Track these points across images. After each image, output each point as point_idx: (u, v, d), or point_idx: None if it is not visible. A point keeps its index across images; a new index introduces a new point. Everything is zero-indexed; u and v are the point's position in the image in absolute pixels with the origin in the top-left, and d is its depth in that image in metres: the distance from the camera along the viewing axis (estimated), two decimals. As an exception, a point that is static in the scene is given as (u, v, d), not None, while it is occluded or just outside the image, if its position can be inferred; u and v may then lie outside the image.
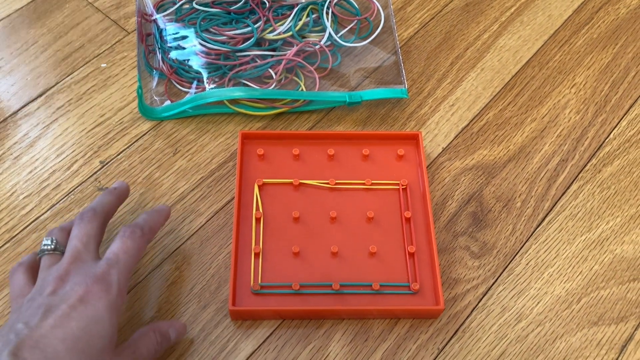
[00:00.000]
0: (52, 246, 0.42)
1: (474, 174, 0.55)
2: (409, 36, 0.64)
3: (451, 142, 0.57)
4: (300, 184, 0.53)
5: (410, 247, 0.49)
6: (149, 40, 0.61)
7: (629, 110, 0.60)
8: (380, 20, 0.62)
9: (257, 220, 0.51)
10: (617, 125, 0.59)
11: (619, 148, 0.57)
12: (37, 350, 0.34)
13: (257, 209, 0.51)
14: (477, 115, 0.59)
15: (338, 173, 0.53)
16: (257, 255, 0.49)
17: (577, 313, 0.49)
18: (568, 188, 0.55)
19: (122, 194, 0.47)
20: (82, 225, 0.42)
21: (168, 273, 0.49)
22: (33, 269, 0.42)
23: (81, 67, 0.60)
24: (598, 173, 0.56)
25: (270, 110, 0.57)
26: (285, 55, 0.58)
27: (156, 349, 0.42)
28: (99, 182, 0.53)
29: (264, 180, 0.52)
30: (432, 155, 0.56)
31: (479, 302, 0.49)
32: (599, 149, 0.57)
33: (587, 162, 0.56)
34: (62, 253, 0.42)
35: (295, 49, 0.59)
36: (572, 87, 0.61)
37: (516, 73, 0.62)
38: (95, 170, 0.54)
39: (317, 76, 0.59)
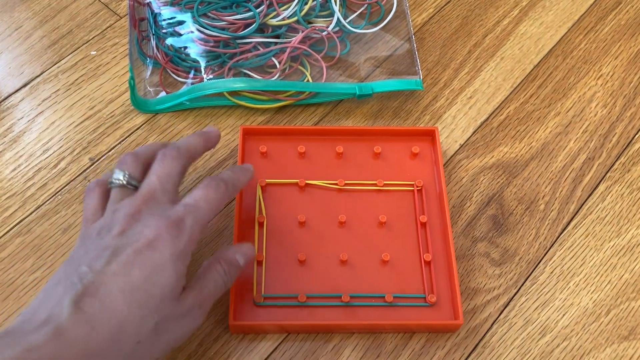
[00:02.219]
0: (124, 181, 0.39)
1: (493, 173, 0.51)
2: (423, 22, 0.60)
3: (469, 138, 0.53)
4: (307, 184, 0.49)
5: (427, 255, 0.46)
6: (142, 25, 0.56)
7: (659, 103, 0.56)
8: (393, 4, 0.58)
9: (260, 224, 0.47)
10: (647, 120, 0.55)
11: (650, 145, 0.53)
12: (96, 300, 0.33)
13: (260, 212, 0.47)
14: (497, 108, 0.55)
15: (347, 173, 0.49)
16: (259, 263, 0.45)
17: (606, 327, 0.45)
18: (595, 189, 0.51)
19: (210, 139, 0.43)
20: (164, 162, 0.39)
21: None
22: (108, 194, 0.40)
23: (69, 54, 0.56)
24: (627, 173, 0.52)
25: (273, 103, 0.53)
26: (290, 42, 0.54)
27: (224, 280, 0.39)
28: (89, 181, 0.49)
29: (267, 180, 0.48)
30: (449, 152, 0.52)
31: (500, 315, 0.45)
32: (627, 146, 0.53)
33: (615, 161, 0.52)
34: (135, 187, 0.39)
35: (300, 35, 0.54)
36: (598, 78, 0.57)
37: (538, 63, 0.57)
38: (85, 168, 0.50)
39: (324, 65, 0.54)
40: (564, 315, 0.45)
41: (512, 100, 0.55)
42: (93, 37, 0.57)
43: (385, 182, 0.49)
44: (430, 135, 0.51)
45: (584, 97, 0.56)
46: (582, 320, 0.45)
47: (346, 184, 0.49)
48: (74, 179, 0.49)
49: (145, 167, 0.40)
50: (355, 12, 0.58)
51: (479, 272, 0.47)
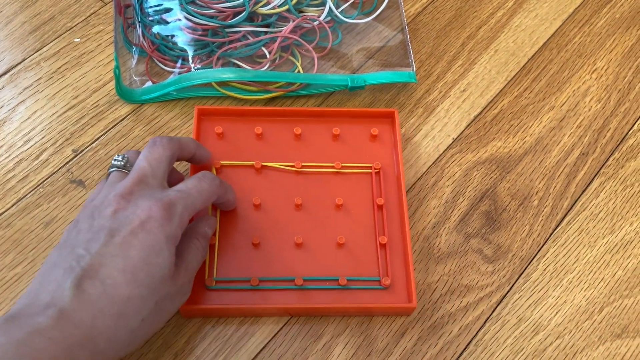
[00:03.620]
0: (122, 163, 0.40)
1: (487, 168, 0.50)
2: (416, 12, 0.58)
3: (462, 132, 0.52)
4: (263, 166, 0.47)
5: (382, 237, 0.45)
6: (128, 12, 0.55)
7: (654, 98, 0.55)
8: (386, -6, 0.57)
9: (214, 207, 0.45)
10: (641, 115, 0.54)
11: (644, 141, 0.53)
12: (98, 281, 0.33)
13: None
14: (490, 102, 0.54)
15: (305, 155, 0.48)
16: (212, 247, 0.44)
17: (599, 324, 0.45)
18: (589, 185, 0.50)
19: (202, 149, 0.44)
20: (154, 149, 0.39)
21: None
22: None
23: (52, 41, 0.54)
24: (621, 169, 0.51)
25: (263, 94, 0.52)
26: (280, 32, 0.52)
27: (203, 253, 0.40)
28: (72, 173, 0.48)
29: (222, 162, 0.47)
30: (442, 147, 0.51)
31: (492, 312, 0.45)
32: (622, 141, 0.53)
33: (610, 156, 0.52)
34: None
35: (291, 25, 0.53)
36: (592, 72, 0.56)
37: (533, 56, 0.57)
38: (68, 159, 0.48)
39: (315, 56, 0.53)
40: (557, 312, 0.45)
41: (506, 94, 0.54)
42: (77, 24, 0.55)
43: (343, 165, 0.48)
44: (389, 117, 0.50)
45: (579, 91, 0.55)
46: (576, 318, 0.45)
47: (303, 166, 0.48)
48: (57, 171, 0.48)
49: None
50: (348, 1, 0.57)
51: (471, 269, 0.46)
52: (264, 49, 0.53)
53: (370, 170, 0.48)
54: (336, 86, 0.52)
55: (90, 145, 0.49)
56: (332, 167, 0.48)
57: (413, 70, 0.53)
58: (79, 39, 0.54)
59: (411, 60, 0.54)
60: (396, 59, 0.55)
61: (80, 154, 0.49)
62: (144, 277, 0.34)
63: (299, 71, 0.53)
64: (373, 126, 0.50)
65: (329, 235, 0.45)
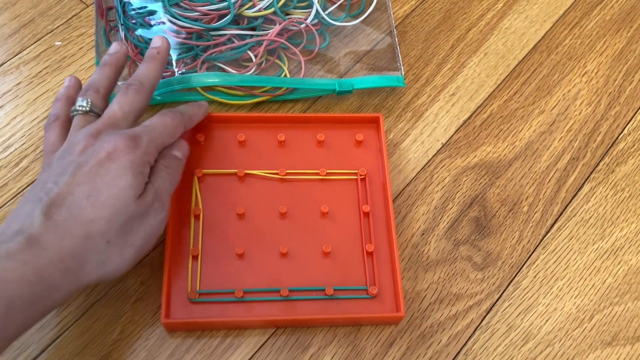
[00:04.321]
0: (87, 108, 0.41)
1: (476, 173, 0.50)
2: (405, 14, 0.58)
3: (451, 136, 0.51)
4: (246, 174, 0.46)
5: (369, 245, 0.44)
6: (110, 15, 0.53)
7: (644, 102, 0.55)
8: (374, -4, 0.56)
9: (196, 217, 0.44)
10: (631, 119, 0.54)
11: (634, 145, 0.52)
12: (64, 208, 0.35)
13: (196, 204, 0.45)
14: (480, 106, 0.53)
15: (289, 162, 0.47)
16: (195, 258, 0.43)
17: (590, 332, 0.44)
18: (579, 190, 0.50)
19: (165, 58, 0.45)
20: (128, 95, 0.41)
21: (132, 289, 0.43)
22: (67, 125, 0.41)
23: (31, 45, 0.53)
24: (611, 173, 0.51)
25: (249, 99, 0.51)
26: (266, 35, 0.51)
27: (169, 173, 0.41)
28: (53, 181, 0.47)
29: (204, 170, 0.46)
30: (431, 152, 0.50)
31: (482, 321, 0.44)
32: (612, 145, 0.52)
33: (600, 161, 0.51)
34: (97, 115, 0.41)
35: (277, 28, 0.52)
36: (583, 75, 0.55)
37: (522, 59, 0.56)
38: (48, 166, 0.47)
39: (302, 59, 0.52)
40: (547, 320, 0.44)
41: (495, 98, 0.54)
42: (57, 27, 0.54)
43: (328, 171, 0.47)
44: (375, 122, 0.49)
45: (569, 94, 0.54)
46: (566, 325, 0.44)
47: (288, 174, 0.47)
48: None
49: (106, 99, 0.42)
50: (335, 3, 0.56)
51: (460, 277, 0.45)
52: (249, 52, 0.51)
53: (356, 177, 0.47)
54: (324, 90, 0.51)
55: (71, 151, 0.48)
56: (317, 174, 0.47)
57: (401, 74, 0.52)
58: (60, 42, 0.53)
59: (399, 64, 0.53)
60: (384, 63, 0.54)
61: (62, 161, 0.47)
62: (105, 199, 0.36)
63: (285, 75, 0.52)
64: (358, 132, 0.49)
65: (315, 244, 0.44)
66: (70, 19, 0.54)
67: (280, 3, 0.52)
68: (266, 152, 0.48)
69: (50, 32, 0.53)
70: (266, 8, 0.52)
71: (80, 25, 0.54)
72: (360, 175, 0.47)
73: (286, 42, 0.52)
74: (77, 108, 0.41)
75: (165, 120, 0.41)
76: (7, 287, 0.32)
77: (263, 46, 0.51)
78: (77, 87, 0.44)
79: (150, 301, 0.43)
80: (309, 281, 0.43)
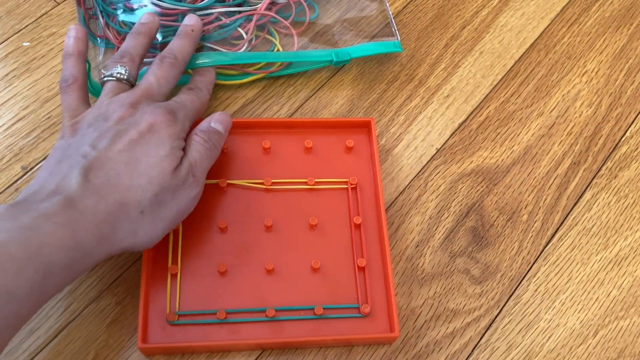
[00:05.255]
0: (125, 76, 0.41)
1: (473, 180, 0.47)
2: (396, 11, 0.55)
3: (446, 141, 0.49)
4: (229, 184, 0.44)
5: (360, 260, 0.42)
6: (88, 2, 0.50)
7: (646, 103, 0.52)
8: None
9: (174, 232, 0.41)
10: (634, 120, 0.51)
11: (637, 148, 0.50)
12: (102, 172, 0.35)
13: None
14: (476, 108, 0.50)
15: (275, 170, 0.44)
16: (174, 276, 0.40)
17: (594, 349, 0.42)
18: (581, 197, 0.47)
19: (198, 37, 0.45)
20: (163, 67, 0.41)
21: (107, 309, 0.40)
22: (85, 87, 0.41)
23: (-2, 46, 0.49)
24: (614, 179, 0.48)
25: (243, 78, 0.49)
26: (255, 10, 0.48)
27: (206, 147, 0.40)
28: (20, 192, 0.43)
29: None
30: (425, 158, 0.48)
31: (481, 339, 0.41)
32: (614, 149, 0.50)
33: (602, 166, 0.49)
34: (130, 84, 0.41)
35: (265, 1, 0.49)
36: (582, 75, 0.53)
37: (520, 58, 0.53)
38: (16, 177, 0.44)
39: (294, 32, 0.50)
40: (549, 337, 0.42)
41: (492, 99, 0.51)
42: (26, 26, 0.50)
43: (317, 180, 0.44)
44: (366, 127, 0.47)
45: (568, 95, 0.52)
46: (569, 342, 0.42)
47: (274, 183, 0.44)
48: (4, 190, 0.43)
49: (138, 68, 0.42)
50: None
51: (457, 292, 0.43)
52: (239, 29, 0.49)
53: (346, 186, 0.44)
54: (320, 62, 0.48)
55: (41, 161, 0.45)
56: (305, 183, 0.44)
57: (397, 39, 0.50)
58: (28, 43, 0.50)
59: (394, 28, 0.51)
60: (379, 30, 0.52)
61: (31, 172, 0.44)
62: (143, 168, 0.36)
63: (278, 50, 0.49)
64: (348, 137, 0.46)
65: (303, 259, 0.42)
66: (39, 17, 0.51)
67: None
68: (250, 160, 0.45)
69: (17, 32, 0.50)
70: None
71: (51, 25, 0.50)
72: (351, 185, 0.44)
73: (276, 16, 0.49)
74: (115, 75, 0.40)
75: (192, 98, 0.42)
76: (46, 252, 0.31)
77: (253, 21, 0.49)
78: (87, 40, 0.42)
79: (127, 323, 0.40)
80: (296, 300, 0.40)
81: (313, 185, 0.44)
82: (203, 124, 0.41)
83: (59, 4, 0.52)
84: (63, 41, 0.49)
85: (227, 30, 0.49)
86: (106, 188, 0.35)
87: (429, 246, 0.44)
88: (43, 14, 0.51)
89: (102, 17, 0.48)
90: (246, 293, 0.40)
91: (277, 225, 0.43)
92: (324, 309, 0.40)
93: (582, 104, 0.51)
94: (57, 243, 0.32)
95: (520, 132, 0.50)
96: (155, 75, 0.41)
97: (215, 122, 0.42)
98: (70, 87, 0.40)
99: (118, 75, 0.40)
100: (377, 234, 0.43)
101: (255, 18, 0.49)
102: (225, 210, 0.43)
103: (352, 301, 0.41)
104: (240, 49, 0.48)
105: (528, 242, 0.45)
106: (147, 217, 0.36)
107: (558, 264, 0.45)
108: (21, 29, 0.50)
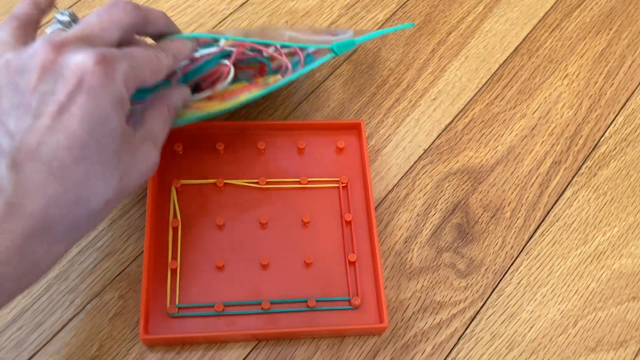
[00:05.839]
0: (68, 19, 0.33)
1: (458, 179, 0.49)
2: (385, 18, 0.57)
3: (433, 142, 0.51)
4: (225, 184, 0.46)
5: (351, 255, 0.44)
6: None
7: (625, 104, 0.54)
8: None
9: (174, 229, 0.43)
10: (612, 121, 0.53)
11: (615, 148, 0.52)
12: (38, 163, 0.28)
13: (174, 215, 0.44)
14: (461, 110, 0.53)
15: (269, 170, 0.47)
16: (173, 271, 0.42)
17: (574, 338, 0.44)
18: (562, 195, 0.50)
19: (174, 27, 0.38)
20: (114, 10, 0.32)
21: (110, 303, 0.42)
22: (30, 28, 0.33)
23: None
24: (593, 177, 0.51)
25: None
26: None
27: (167, 125, 0.36)
28: None
29: (182, 181, 0.45)
30: (412, 158, 0.50)
31: (466, 329, 0.44)
32: (594, 149, 0.52)
33: (582, 165, 0.51)
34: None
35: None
36: (564, 78, 0.55)
37: (504, 62, 0.56)
38: None
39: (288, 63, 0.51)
40: (531, 328, 0.44)
41: (477, 102, 0.53)
42: None
43: (310, 180, 0.46)
44: (356, 129, 0.49)
45: (550, 98, 0.54)
46: (550, 332, 0.44)
47: (268, 183, 0.46)
48: None
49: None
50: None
51: (444, 285, 0.45)
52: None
53: (337, 185, 0.47)
54: (322, 57, 0.45)
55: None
56: (298, 182, 0.46)
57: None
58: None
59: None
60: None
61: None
62: (93, 151, 0.29)
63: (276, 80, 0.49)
64: (339, 138, 0.48)
65: (296, 254, 0.44)
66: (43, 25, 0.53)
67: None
68: (246, 161, 0.47)
69: (22, 40, 0.52)
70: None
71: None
72: (342, 184, 0.47)
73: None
74: (57, 17, 0.33)
75: (147, 52, 0.33)
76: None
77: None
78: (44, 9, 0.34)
79: (129, 316, 0.42)
80: (290, 293, 0.42)
81: (306, 184, 0.46)
82: (171, 94, 0.37)
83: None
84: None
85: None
86: (53, 185, 0.28)
87: (417, 242, 0.46)
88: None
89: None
90: (243, 287, 0.42)
91: (272, 222, 0.45)
92: (316, 301, 0.42)
93: (563, 105, 0.54)
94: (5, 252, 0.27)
95: (504, 133, 0.52)
96: (99, 16, 0.31)
97: (180, 97, 0.37)
98: (11, 21, 0.32)
99: (60, 17, 0.33)
100: (367, 231, 0.45)
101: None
102: (223, 209, 0.45)
103: (343, 294, 0.43)
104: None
105: (511, 238, 0.47)
106: (111, 204, 0.32)
107: (539, 258, 0.47)
108: None
